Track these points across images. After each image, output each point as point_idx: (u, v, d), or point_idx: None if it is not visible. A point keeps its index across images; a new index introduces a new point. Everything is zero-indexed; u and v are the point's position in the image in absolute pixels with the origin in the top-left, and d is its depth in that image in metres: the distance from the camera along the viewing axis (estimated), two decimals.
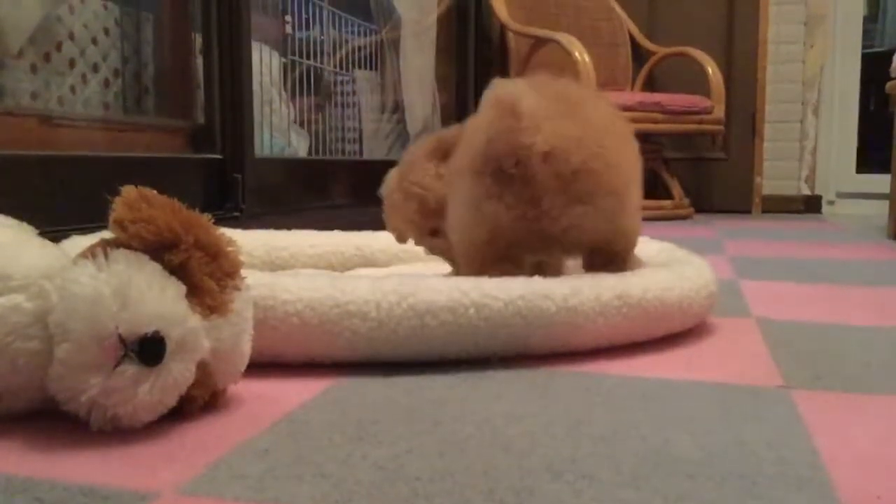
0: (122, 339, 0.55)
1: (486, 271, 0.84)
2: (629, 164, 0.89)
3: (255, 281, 0.74)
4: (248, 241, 1.17)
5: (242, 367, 0.65)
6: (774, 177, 3.30)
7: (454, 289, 0.76)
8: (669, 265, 0.96)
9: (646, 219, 3.24)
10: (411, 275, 0.79)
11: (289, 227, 1.29)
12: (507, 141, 0.82)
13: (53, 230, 0.88)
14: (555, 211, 0.83)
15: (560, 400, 0.67)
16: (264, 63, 1.81)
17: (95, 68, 1.48)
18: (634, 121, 2.73)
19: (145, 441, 0.56)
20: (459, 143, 0.95)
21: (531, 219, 0.84)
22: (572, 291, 0.79)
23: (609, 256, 0.91)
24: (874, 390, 0.70)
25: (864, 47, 3.35)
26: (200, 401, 0.62)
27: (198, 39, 1.57)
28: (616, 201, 0.86)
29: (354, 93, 2.43)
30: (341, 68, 2.37)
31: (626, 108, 2.75)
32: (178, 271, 0.59)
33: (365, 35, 2.48)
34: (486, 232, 0.86)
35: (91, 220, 1.06)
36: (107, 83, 1.51)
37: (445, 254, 1.05)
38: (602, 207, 0.85)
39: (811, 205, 3.32)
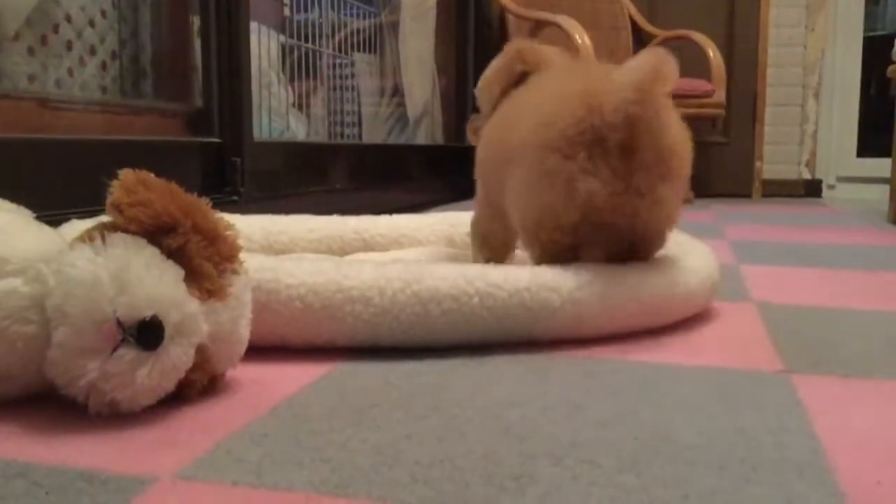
0: (120, 324, 0.55)
1: (566, 256, 0.84)
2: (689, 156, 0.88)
3: (258, 265, 0.74)
4: (246, 226, 1.17)
5: (241, 352, 0.65)
6: (775, 161, 3.29)
7: (459, 277, 0.76)
8: (673, 253, 0.95)
9: None
10: (416, 261, 0.79)
11: (287, 212, 1.29)
12: (629, 112, 0.78)
13: (51, 214, 0.88)
14: (644, 187, 0.81)
15: (560, 385, 0.66)
16: (262, 45, 1.80)
17: (93, 51, 1.47)
18: None
19: (144, 425, 0.56)
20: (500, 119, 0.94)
21: (621, 193, 0.81)
22: (578, 285, 0.79)
23: (645, 251, 0.90)
24: (874, 375, 0.70)
25: (865, 31, 3.33)
26: (199, 385, 0.61)
27: (195, 22, 1.56)
28: (682, 187, 0.87)
29: (353, 76, 2.41)
30: (340, 51, 2.35)
31: None
32: (176, 255, 0.59)
33: (364, 18, 2.46)
34: (579, 213, 0.82)
35: (89, 203, 1.05)
36: (104, 66, 1.50)
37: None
38: (677, 190, 0.85)
39: (811, 189, 3.31)
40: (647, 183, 0.82)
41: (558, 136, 0.82)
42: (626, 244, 0.87)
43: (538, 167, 0.84)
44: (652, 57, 0.80)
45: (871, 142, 3.30)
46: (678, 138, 0.85)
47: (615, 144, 0.80)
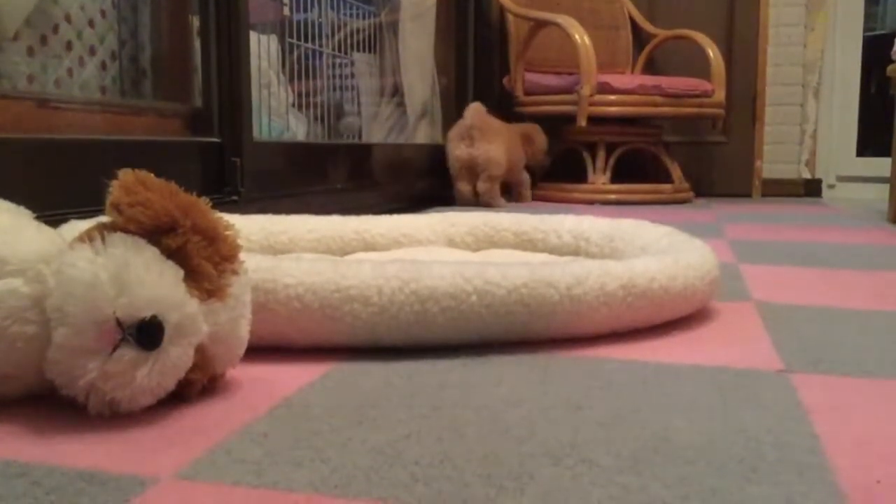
0: (119, 324, 0.55)
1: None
2: (508, 136, 2.60)
3: (256, 264, 0.73)
4: (246, 226, 1.17)
5: (241, 352, 0.65)
6: (775, 160, 3.29)
7: (457, 275, 0.76)
8: (672, 251, 0.96)
9: (646, 202, 3.22)
10: (414, 260, 0.79)
11: (287, 212, 1.29)
12: (469, 128, 2.52)
13: (50, 214, 0.88)
14: (479, 147, 2.46)
15: (560, 385, 0.67)
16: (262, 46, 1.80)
17: (92, 51, 1.47)
18: (634, 104, 2.74)
19: (144, 425, 0.56)
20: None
21: (470, 152, 2.49)
22: (576, 280, 0.79)
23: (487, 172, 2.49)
24: (874, 374, 0.70)
25: (865, 30, 3.33)
26: (199, 385, 0.61)
27: (195, 22, 1.56)
28: (503, 143, 2.53)
29: (353, 76, 2.41)
30: (340, 51, 2.35)
31: (627, 91, 2.74)
32: (175, 255, 0.59)
33: (364, 18, 2.46)
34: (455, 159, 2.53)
35: (88, 203, 1.05)
36: (104, 66, 1.50)
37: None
38: (498, 144, 2.49)
39: (811, 188, 3.31)
40: (479, 145, 2.45)
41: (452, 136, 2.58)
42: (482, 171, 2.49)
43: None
44: (470, 110, 2.52)
45: (870, 141, 3.30)
46: (494, 126, 2.52)
47: (468, 137, 2.48)
